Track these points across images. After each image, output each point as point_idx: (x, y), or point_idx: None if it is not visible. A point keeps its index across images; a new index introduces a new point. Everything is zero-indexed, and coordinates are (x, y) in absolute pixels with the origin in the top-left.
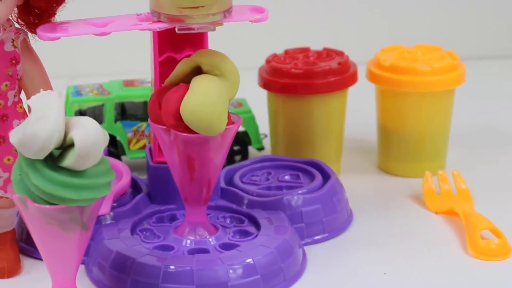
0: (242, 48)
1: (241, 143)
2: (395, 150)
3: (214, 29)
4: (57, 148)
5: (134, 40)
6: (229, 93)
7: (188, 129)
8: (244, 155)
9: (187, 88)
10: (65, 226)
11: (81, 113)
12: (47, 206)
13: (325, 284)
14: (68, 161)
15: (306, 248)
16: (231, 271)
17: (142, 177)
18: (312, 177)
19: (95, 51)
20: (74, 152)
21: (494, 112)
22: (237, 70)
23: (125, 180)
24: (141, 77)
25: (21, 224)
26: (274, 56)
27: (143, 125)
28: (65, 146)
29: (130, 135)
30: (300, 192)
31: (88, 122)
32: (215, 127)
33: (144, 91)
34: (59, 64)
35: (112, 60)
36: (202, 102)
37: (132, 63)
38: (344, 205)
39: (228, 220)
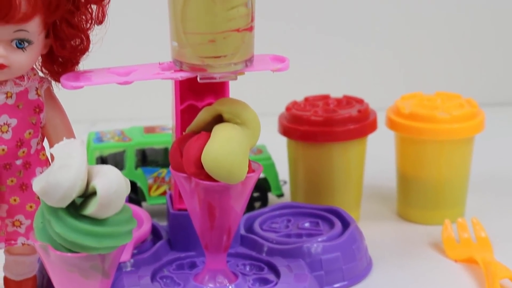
0: (262, 94)
1: (261, 189)
2: (414, 197)
3: (235, 78)
4: (79, 196)
5: (155, 86)
6: (250, 141)
7: (209, 177)
8: (264, 201)
9: (209, 137)
10: (86, 274)
11: (102, 159)
12: (69, 254)
13: None
14: (90, 209)
15: None
16: None
17: (163, 223)
18: (331, 224)
19: (116, 97)
20: (96, 201)
21: None
22: (258, 118)
23: (146, 227)
24: (161, 122)
25: (42, 271)
26: (294, 103)
27: (163, 171)
28: (88, 195)
29: (150, 181)
30: (319, 239)
31: (110, 170)
32: (236, 176)
33: (165, 138)
34: (80, 109)
35: (133, 106)
36: (223, 150)
37: (153, 109)
38: (364, 252)
39: (248, 268)
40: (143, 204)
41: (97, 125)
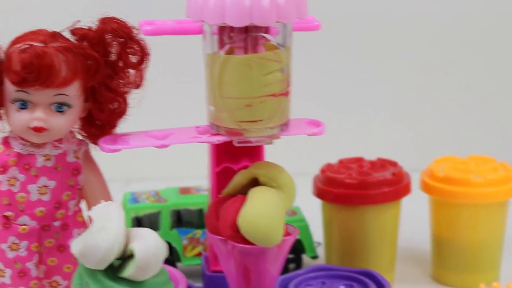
0: (296, 156)
1: (295, 251)
2: (449, 261)
3: (271, 142)
4: (117, 259)
5: (189, 146)
6: (286, 205)
7: (245, 240)
8: (298, 263)
9: (244, 200)
10: None
11: (137, 219)
12: None
13: None
14: (128, 272)
15: None
16: None
17: (197, 284)
18: (366, 287)
19: (150, 156)
20: (134, 263)
21: None
22: (293, 182)
23: None
24: (194, 182)
25: None
26: (329, 165)
27: (198, 232)
28: (125, 257)
29: (185, 242)
30: None
31: (148, 233)
32: (272, 239)
33: (200, 199)
34: (114, 168)
35: (166, 165)
36: (259, 214)
37: (186, 169)
38: None
39: None
40: (178, 264)
41: (131, 184)
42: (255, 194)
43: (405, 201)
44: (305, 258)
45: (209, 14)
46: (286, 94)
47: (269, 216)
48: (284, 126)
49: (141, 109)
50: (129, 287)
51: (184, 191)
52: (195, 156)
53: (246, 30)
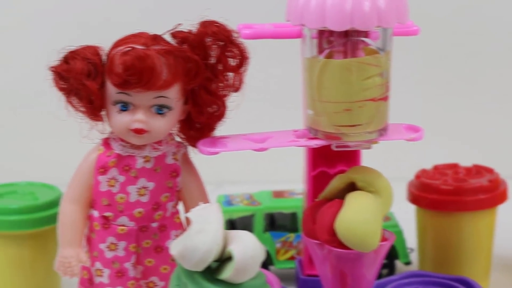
0: (391, 161)
1: (389, 256)
2: None
3: (369, 147)
4: (215, 261)
5: (283, 150)
6: (383, 210)
7: (341, 245)
8: (391, 269)
9: (342, 204)
10: None
11: (231, 222)
12: None
13: None
14: (226, 274)
15: None
16: None
17: None
18: None
19: (243, 159)
20: (232, 266)
21: None
22: (391, 187)
23: None
24: (287, 185)
25: None
26: (424, 171)
27: (291, 236)
28: (223, 259)
29: (278, 245)
30: None
31: (246, 236)
32: (369, 244)
33: (294, 203)
34: (207, 170)
35: (259, 168)
36: (357, 219)
37: (279, 172)
38: None
39: None
40: (270, 268)
41: (223, 187)
42: (352, 198)
43: (502, 208)
44: (398, 264)
45: (309, 18)
46: (385, 99)
47: (367, 221)
48: (383, 131)
49: (239, 112)
50: None
51: (278, 194)
52: (288, 159)
53: (346, 34)
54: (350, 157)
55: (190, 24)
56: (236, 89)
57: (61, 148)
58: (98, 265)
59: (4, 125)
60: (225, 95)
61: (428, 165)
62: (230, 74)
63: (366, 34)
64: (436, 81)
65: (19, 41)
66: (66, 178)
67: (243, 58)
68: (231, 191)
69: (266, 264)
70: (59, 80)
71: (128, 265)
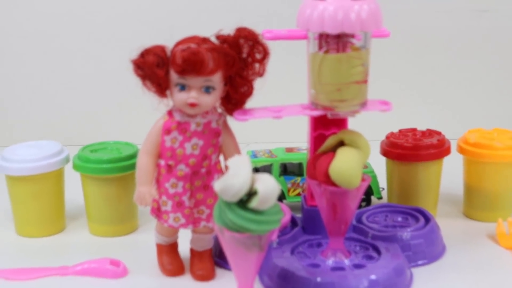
0: (369, 126)
1: (366, 193)
2: (476, 202)
3: (354, 116)
4: (246, 195)
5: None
6: (363, 160)
7: (334, 184)
8: (368, 202)
9: (334, 156)
10: (248, 248)
11: (256, 169)
12: (238, 234)
13: None
14: (253, 204)
15: (412, 269)
16: (360, 284)
17: (298, 215)
18: (417, 219)
19: (265, 125)
20: (257, 198)
21: None
22: (369, 144)
23: (287, 217)
24: (297, 144)
25: (216, 244)
26: (392, 133)
27: (298, 179)
28: (251, 193)
29: (289, 186)
30: (409, 230)
31: (267, 178)
32: (353, 184)
33: (301, 156)
34: (240, 133)
35: (276, 131)
36: (345, 166)
37: (291, 135)
38: (440, 240)
39: (358, 248)
40: (284, 201)
41: (250, 145)
42: (341, 152)
43: (446, 160)
44: (373, 199)
45: (312, 25)
46: (365, 82)
47: (352, 168)
48: (363, 105)
49: (262, 92)
50: (254, 215)
51: (289, 150)
52: (297, 125)
53: (338, 36)
54: (340, 123)
55: (229, 29)
56: (261, 75)
57: (139, 117)
58: (164, 198)
59: (103, 103)
60: (253, 80)
61: (395, 129)
62: (257, 65)
63: (352, 36)
64: (402, 68)
65: (112, 44)
66: (141, 138)
67: (265, 54)
68: (256, 147)
69: (281, 198)
70: (137, 69)
71: (184, 198)
